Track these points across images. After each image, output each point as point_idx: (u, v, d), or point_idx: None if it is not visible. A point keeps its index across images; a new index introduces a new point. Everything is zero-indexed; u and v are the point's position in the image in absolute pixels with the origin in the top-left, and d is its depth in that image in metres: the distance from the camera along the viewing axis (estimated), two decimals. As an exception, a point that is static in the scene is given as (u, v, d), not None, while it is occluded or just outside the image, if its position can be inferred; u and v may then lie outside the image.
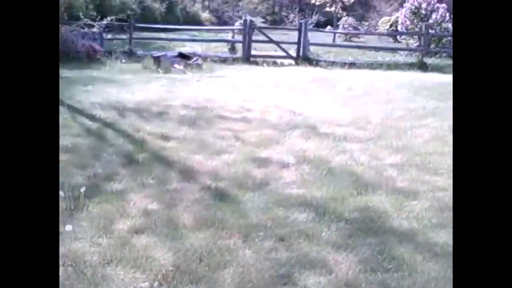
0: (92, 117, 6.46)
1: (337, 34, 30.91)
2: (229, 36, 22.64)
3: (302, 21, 16.79)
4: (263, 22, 58.93)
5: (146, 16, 40.45)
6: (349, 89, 9.92)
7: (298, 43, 15.80)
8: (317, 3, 28.67)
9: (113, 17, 16.30)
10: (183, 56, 13.82)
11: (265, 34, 15.87)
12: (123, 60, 14.54)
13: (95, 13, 33.63)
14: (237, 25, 38.50)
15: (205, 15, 53.45)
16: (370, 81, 11.23)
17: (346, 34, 31.90)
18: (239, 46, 16.78)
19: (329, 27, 29.60)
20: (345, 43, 17.91)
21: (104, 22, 15.85)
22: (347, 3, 28.43)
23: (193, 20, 49.42)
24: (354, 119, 7.03)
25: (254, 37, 16.16)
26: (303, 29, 15.92)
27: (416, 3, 18.93)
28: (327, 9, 28.80)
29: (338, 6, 28.42)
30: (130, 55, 15.29)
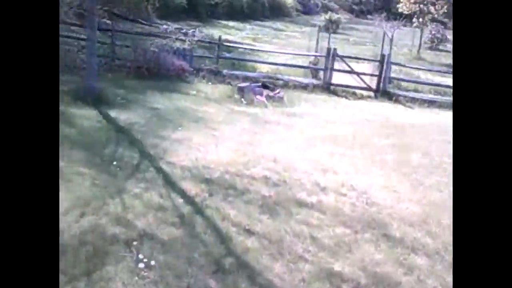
0: (183, 194, 7.17)
1: (423, 40, 30.48)
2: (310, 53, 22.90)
3: (386, 54, 16.84)
4: (350, 12, 58.41)
5: (233, 5, 41.25)
6: (424, 154, 10.14)
7: (379, 76, 15.97)
8: (405, 12, 28.24)
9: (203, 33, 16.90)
10: (266, 86, 14.37)
11: (347, 64, 16.12)
12: (210, 82, 15.27)
13: (185, 3, 34.68)
14: (319, 22, 38.62)
15: (290, 1, 53.57)
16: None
17: (431, 46, 31.34)
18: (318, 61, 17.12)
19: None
20: (429, 81, 17.70)
21: (195, 38, 16.55)
22: (436, 15, 27.85)
23: (279, 8, 49.76)
24: (426, 214, 7.38)
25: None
26: (385, 61, 16.04)
27: None
28: (414, 20, 28.34)
29: (427, 18, 27.91)
30: (216, 74, 16.00)
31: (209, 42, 17.95)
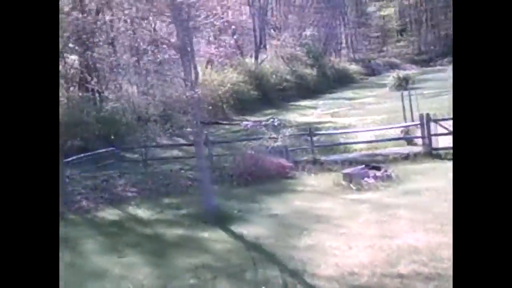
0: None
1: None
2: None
3: None
4: (413, 63, 58.07)
5: (300, 84, 42.16)
6: None
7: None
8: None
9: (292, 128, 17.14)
10: (371, 167, 14.27)
11: (445, 127, 15.81)
12: (311, 173, 15.36)
13: (256, 93, 35.62)
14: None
15: (353, 67, 54.18)
16: None
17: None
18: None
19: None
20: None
21: (287, 132, 16.86)
22: None
23: (343, 75, 50.35)
24: None
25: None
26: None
27: None
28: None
29: None
30: (315, 163, 16.09)
31: (302, 135, 18.15)
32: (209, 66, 34.40)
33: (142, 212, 13.21)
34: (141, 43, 12.95)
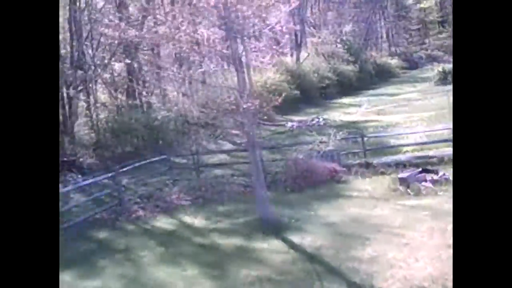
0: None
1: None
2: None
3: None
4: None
5: (341, 81, 41.72)
6: None
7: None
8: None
9: (344, 132, 16.88)
10: (427, 170, 13.97)
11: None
12: (365, 177, 15.15)
13: (298, 92, 35.43)
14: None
15: (393, 61, 53.29)
16: None
17: None
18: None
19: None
20: None
21: (339, 136, 16.66)
22: None
23: (384, 70, 49.58)
24: None
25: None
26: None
27: None
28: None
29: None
30: (367, 167, 15.88)
31: (352, 137, 17.87)
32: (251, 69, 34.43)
33: (198, 221, 13.28)
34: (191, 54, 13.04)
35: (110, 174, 15.45)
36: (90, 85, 23.56)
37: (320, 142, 16.53)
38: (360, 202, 13.07)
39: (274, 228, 11.65)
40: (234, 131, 25.55)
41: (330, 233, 11.14)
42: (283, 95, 34.57)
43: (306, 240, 10.82)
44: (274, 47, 12.73)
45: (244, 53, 11.08)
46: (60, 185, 18.74)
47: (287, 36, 41.75)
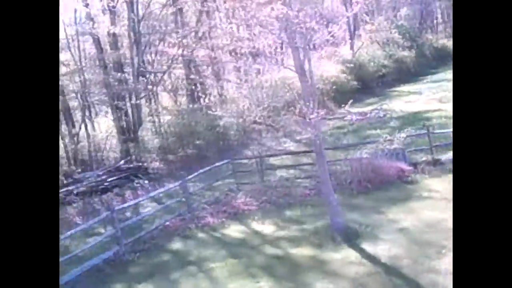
0: None
1: None
2: None
3: None
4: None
5: (399, 68, 40.78)
6: None
7: None
8: None
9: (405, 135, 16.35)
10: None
11: None
12: (434, 176, 14.79)
13: (355, 83, 34.74)
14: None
15: (451, 43, 51.50)
16: None
17: None
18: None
19: None
20: None
21: (403, 135, 16.26)
22: None
23: (442, 54, 47.97)
24: None
25: None
26: None
27: None
28: None
29: None
30: (435, 164, 15.49)
31: (417, 135, 17.38)
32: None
33: (266, 228, 13.36)
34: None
35: (177, 183, 15.74)
36: (152, 91, 24.11)
37: (385, 140, 16.17)
38: (431, 204, 12.76)
39: (346, 236, 11.55)
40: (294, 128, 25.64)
41: (404, 240, 10.95)
42: (341, 86, 34.28)
43: (380, 248, 10.67)
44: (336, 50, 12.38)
45: (307, 62, 10.97)
46: (128, 192, 19.39)
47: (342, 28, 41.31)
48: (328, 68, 34.13)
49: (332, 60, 35.59)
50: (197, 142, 22.76)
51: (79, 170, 21.98)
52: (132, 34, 21.93)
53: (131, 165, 21.09)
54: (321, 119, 11.51)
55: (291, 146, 23.51)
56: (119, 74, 22.54)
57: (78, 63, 24.18)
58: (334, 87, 33.11)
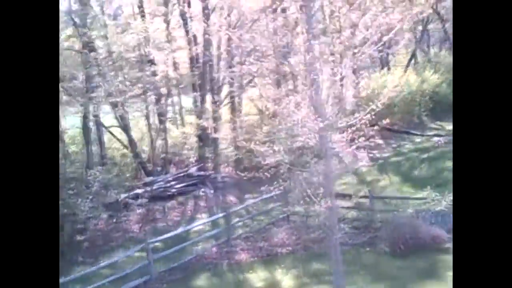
0: None
1: None
2: None
3: None
4: None
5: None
6: None
7: None
8: None
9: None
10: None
11: None
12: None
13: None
14: None
15: None
16: None
17: None
18: None
19: None
20: None
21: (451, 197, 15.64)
22: None
23: None
24: None
25: None
26: None
27: None
28: None
29: None
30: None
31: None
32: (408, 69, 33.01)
33: (287, 280, 13.86)
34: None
35: (221, 215, 16.67)
36: (235, 99, 24.90)
37: (432, 199, 15.69)
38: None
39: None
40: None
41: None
42: (442, 97, 32.23)
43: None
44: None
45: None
46: (192, 202, 20.66)
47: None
48: (429, 76, 32.58)
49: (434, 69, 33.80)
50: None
51: (159, 168, 23.45)
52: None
53: (201, 173, 22.27)
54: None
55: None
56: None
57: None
58: (434, 97, 31.62)
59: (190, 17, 23.02)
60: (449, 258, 13.91)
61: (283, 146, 11.84)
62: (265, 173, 10.95)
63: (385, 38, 10.63)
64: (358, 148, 10.80)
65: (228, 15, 21.64)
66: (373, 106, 10.18)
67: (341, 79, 11.56)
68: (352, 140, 10.38)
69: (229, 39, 16.68)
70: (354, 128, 10.56)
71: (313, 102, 9.87)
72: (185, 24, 23.26)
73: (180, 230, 16.17)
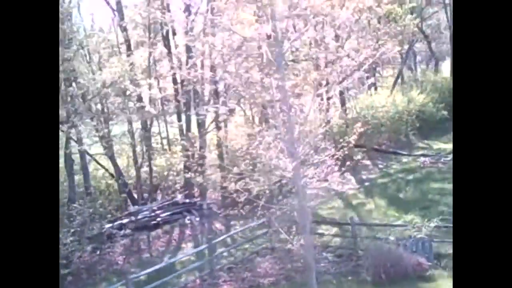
0: None
1: None
2: None
3: None
4: None
5: None
6: None
7: None
8: None
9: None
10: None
11: None
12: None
13: (446, 112, 32.05)
14: None
15: None
16: None
17: None
18: None
19: None
20: None
21: (432, 224, 15.70)
22: None
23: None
24: None
25: None
26: None
27: None
28: None
29: None
30: (461, 261, 14.86)
31: (445, 226, 16.58)
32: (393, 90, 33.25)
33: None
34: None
35: (204, 246, 16.70)
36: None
37: (413, 226, 15.76)
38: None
39: None
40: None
41: None
42: (429, 116, 32.30)
43: None
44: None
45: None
46: (177, 230, 20.64)
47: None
48: (416, 96, 32.78)
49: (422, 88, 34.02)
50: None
51: (146, 195, 23.49)
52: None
53: (187, 200, 22.29)
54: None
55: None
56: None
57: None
58: (421, 116, 31.74)
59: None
60: (431, 286, 14.03)
61: (260, 181, 11.85)
62: (240, 210, 11.08)
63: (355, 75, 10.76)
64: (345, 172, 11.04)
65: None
66: (344, 143, 10.33)
67: (328, 100, 11.63)
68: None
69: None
70: (327, 164, 10.69)
71: (284, 142, 9.99)
72: (169, 53, 23.43)
73: (162, 264, 16.10)
